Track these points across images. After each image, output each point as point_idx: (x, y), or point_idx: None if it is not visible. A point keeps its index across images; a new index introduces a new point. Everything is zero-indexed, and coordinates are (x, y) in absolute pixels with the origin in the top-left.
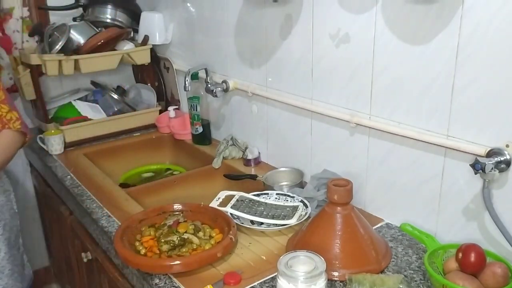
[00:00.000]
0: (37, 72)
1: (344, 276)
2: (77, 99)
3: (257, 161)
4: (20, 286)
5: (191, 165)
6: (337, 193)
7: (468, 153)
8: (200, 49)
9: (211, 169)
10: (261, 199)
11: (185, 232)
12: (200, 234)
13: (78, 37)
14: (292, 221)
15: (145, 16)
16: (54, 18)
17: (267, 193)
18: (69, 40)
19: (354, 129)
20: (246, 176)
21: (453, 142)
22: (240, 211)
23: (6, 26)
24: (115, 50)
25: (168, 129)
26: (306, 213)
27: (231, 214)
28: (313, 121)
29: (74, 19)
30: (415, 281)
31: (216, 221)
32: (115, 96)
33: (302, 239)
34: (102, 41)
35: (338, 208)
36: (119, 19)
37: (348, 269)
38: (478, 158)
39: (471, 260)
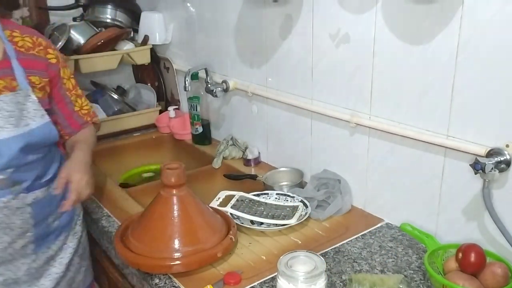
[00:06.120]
0: None
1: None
2: None
3: (257, 161)
4: None
5: (191, 165)
6: (174, 176)
7: (468, 153)
8: (200, 49)
9: (211, 169)
10: (261, 199)
11: None
12: None
13: (78, 37)
14: (292, 221)
15: (145, 16)
16: (54, 18)
17: (267, 193)
18: (69, 40)
19: (354, 129)
20: (246, 176)
21: (453, 142)
22: (240, 211)
23: None
24: (115, 50)
25: (168, 129)
26: (306, 213)
27: (231, 214)
28: (313, 121)
29: (74, 19)
30: (415, 281)
31: None
32: (115, 96)
33: (140, 225)
34: (102, 41)
35: (174, 190)
36: (119, 19)
37: (190, 247)
38: (478, 158)
39: (471, 260)
